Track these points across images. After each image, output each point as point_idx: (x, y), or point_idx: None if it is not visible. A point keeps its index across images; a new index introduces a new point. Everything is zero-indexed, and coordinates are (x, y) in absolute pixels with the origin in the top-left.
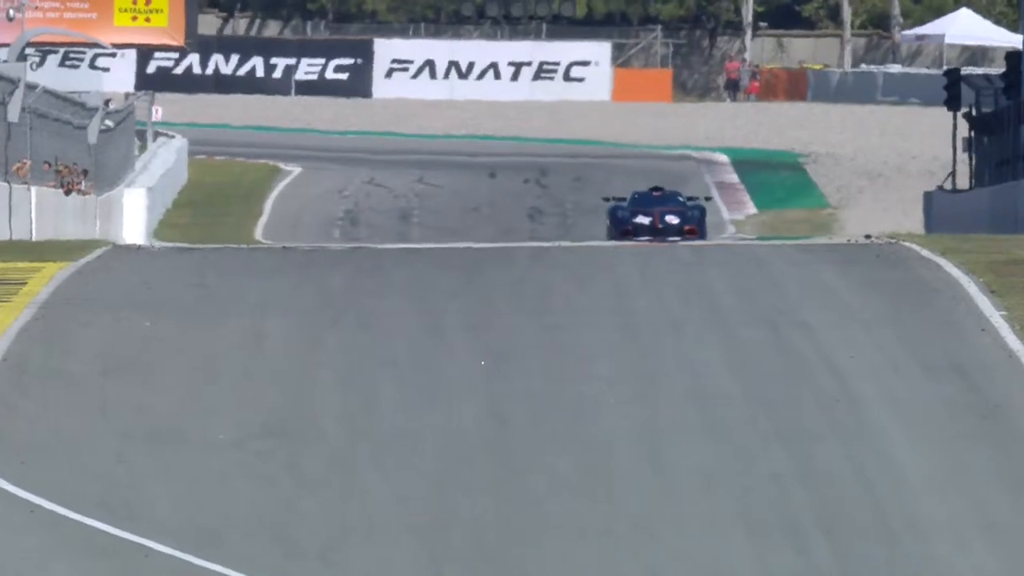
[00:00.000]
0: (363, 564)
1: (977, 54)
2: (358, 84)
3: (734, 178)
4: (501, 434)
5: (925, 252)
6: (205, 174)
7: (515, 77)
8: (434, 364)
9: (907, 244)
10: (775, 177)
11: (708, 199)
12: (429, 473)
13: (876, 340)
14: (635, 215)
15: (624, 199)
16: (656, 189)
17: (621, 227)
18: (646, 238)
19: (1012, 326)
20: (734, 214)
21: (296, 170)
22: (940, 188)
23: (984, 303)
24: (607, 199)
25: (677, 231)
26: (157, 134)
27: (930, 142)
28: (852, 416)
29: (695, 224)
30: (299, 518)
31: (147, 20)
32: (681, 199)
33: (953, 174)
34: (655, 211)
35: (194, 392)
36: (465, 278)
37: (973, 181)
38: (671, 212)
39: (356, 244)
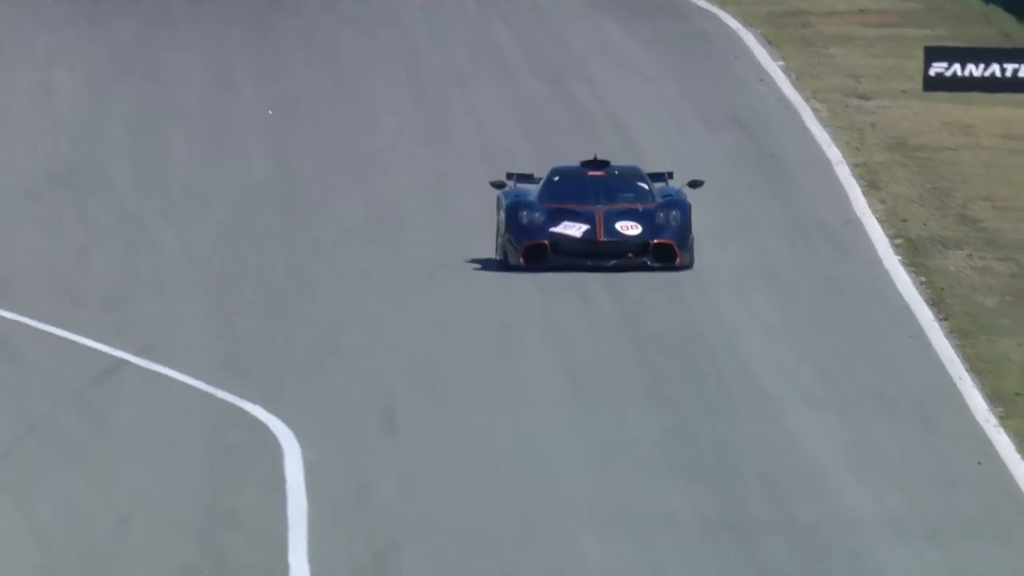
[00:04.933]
0: (152, 315)
1: None
2: None
3: None
4: (289, 186)
5: (703, 3)
6: None
7: None
8: (224, 116)
9: None
10: None
11: (695, 184)
12: (218, 225)
13: (658, 93)
14: (556, 219)
15: (532, 177)
16: (594, 162)
17: (528, 238)
18: (577, 259)
19: (789, 77)
20: None
21: None
22: None
23: (762, 54)
24: (500, 183)
25: (638, 249)
26: None
27: None
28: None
29: (672, 236)
30: (89, 269)
31: None
32: (644, 185)
33: None
34: (596, 211)
35: None
36: (254, 30)
37: None
38: (626, 214)
39: None
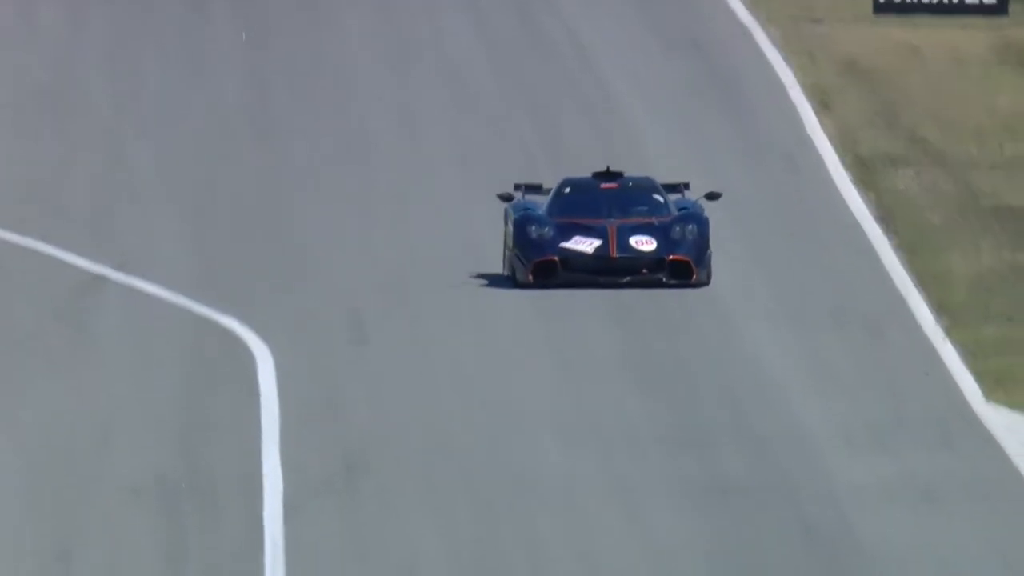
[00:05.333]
0: (130, 231)
1: None
2: None
3: None
4: (262, 108)
5: None
6: None
7: None
8: (197, 38)
9: None
10: None
11: (712, 196)
12: (193, 145)
13: (618, 17)
14: (567, 234)
15: (540, 188)
16: (607, 174)
17: (538, 254)
18: (589, 276)
19: (744, 1)
20: None
21: None
22: None
23: None
24: (507, 195)
25: (653, 265)
26: None
27: None
28: (597, 92)
29: (688, 252)
30: (69, 186)
31: None
32: (659, 197)
33: None
34: (608, 225)
35: None
36: None
37: None
38: (640, 229)
39: None
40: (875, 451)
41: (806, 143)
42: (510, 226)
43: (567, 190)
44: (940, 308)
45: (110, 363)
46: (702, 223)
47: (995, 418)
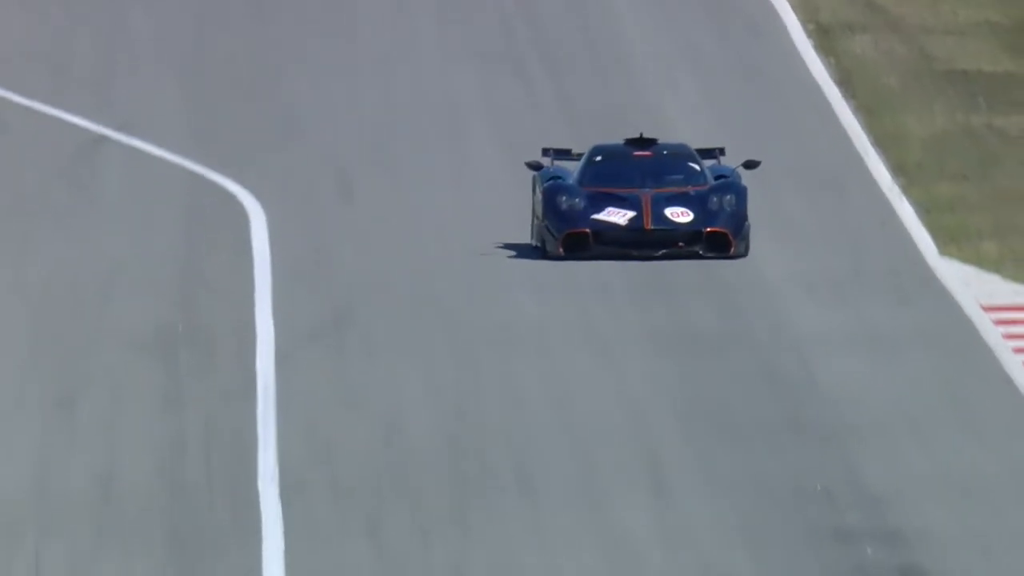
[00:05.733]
0: (130, 94)
1: None
2: None
3: None
4: None
5: None
6: None
7: None
8: None
9: None
10: None
11: (751, 164)
12: (190, 12)
13: None
14: (598, 205)
15: (570, 153)
16: (640, 140)
17: (568, 226)
18: (622, 249)
19: None
20: None
21: None
22: None
23: None
24: (536, 164)
25: (689, 237)
26: None
27: None
28: None
29: (726, 223)
30: (71, 50)
31: None
32: (695, 165)
33: None
34: (642, 195)
35: None
36: None
37: None
38: (676, 199)
39: None
40: (834, 301)
41: (769, 11)
42: (539, 195)
43: (598, 158)
44: (896, 167)
45: (111, 219)
46: (740, 193)
47: (948, 271)
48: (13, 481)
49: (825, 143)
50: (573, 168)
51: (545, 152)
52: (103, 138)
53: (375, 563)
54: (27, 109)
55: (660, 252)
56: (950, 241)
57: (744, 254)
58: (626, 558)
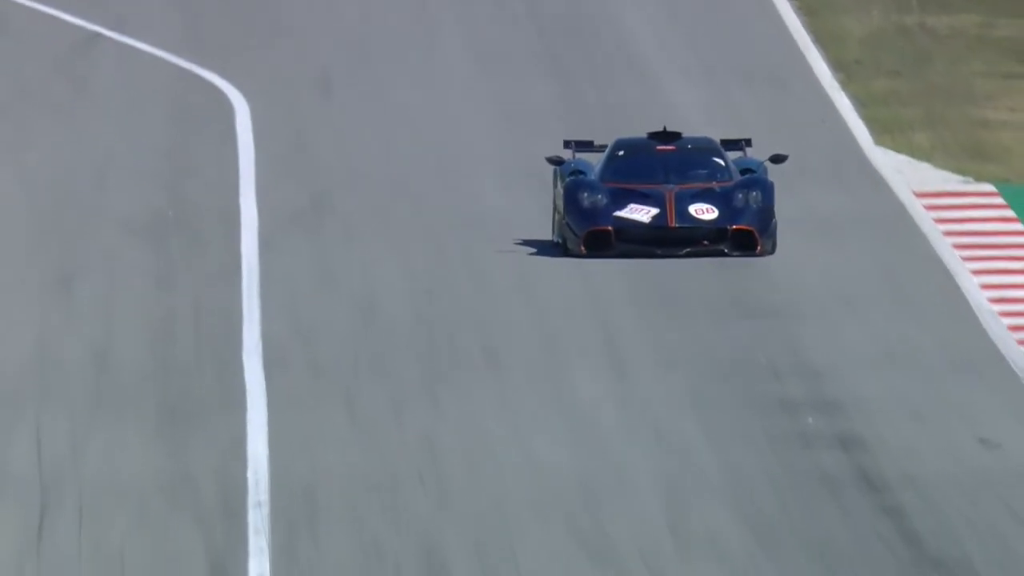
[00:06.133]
0: None
1: None
2: None
3: None
4: None
5: None
6: None
7: None
8: None
9: None
10: None
11: (778, 159)
12: None
13: None
14: (621, 201)
15: (591, 145)
16: (664, 134)
17: (590, 223)
18: (645, 247)
19: None
20: None
21: None
22: None
23: None
24: (557, 159)
25: (714, 235)
26: None
27: None
28: None
29: (752, 221)
30: None
31: None
32: (720, 160)
33: None
34: (666, 191)
35: None
36: None
37: None
38: (700, 195)
39: None
40: (779, 188)
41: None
42: (560, 190)
43: (621, 153)
44: (836, 64)
45: (105, 112)
46: (767, 189)
47: (883, 160)
48: (16, 353)
49: (769, 42)
50: (595, 161)
51: (567, 144)
52: (98, 35)
53: (351, 432)
54: (27, 8)
55: (684, 251)
56: (885, 133)
57: (771, 252)
58: (584, 427)
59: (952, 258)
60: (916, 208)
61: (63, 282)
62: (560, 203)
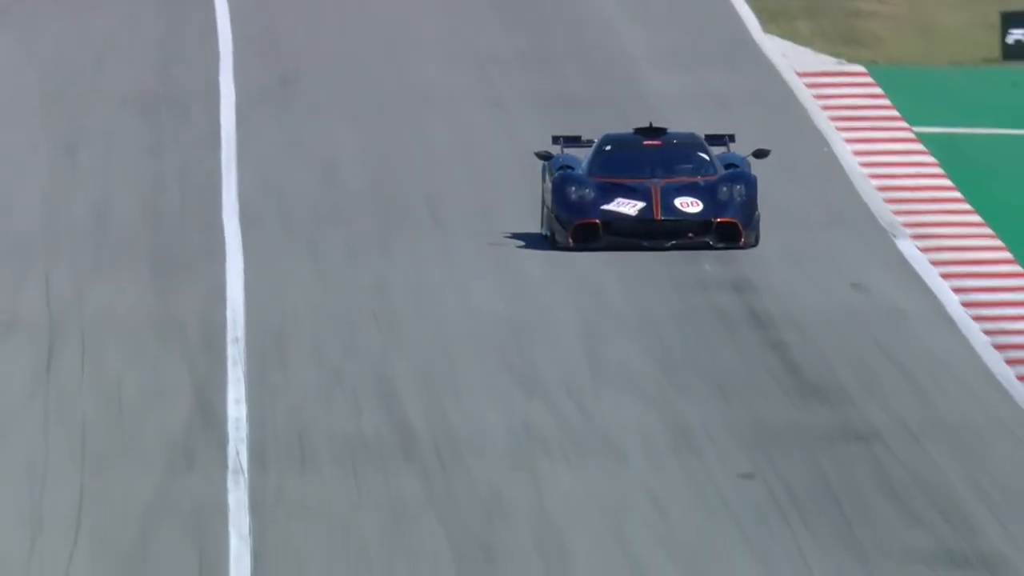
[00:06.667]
0: None
1: None
2: None
3: None
4: None
5: None
6: None
7: None
8: None
9: None
10: None
11: (760, 153)
12: None
13: None
14: (608, 195)
15: (578, 140)
16: (650, 130)
17: (578, 216)
18: (631, 239)
19: None
20: None
21: None
22: None
23: None
24: (545, 154)
25: (699, 228)
26: None
27: None
28: None
29: (736, 214)
30: None
31: None
32: (704, 155)
33: None
34: (652, 185)
35: None
36: None
37: None
38: (685, 189)
39: None
40: (679, 70)
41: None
42: (549, 185)
43: (608, 148)
44: None
45: (102, 2)
46: (750, 183)
47: (770, 45)
48: (27, 212)
49: None
50: (583, 156)
51: (555, 140)
52: None
53: (315, 278)
54: None
55: (670, 243)
56: (771, 21)
57: (755, 244)
58: (516, 279)
59: (829, 129)
60: (798, 86)
61: (68, 149)
62: (548, 197)
